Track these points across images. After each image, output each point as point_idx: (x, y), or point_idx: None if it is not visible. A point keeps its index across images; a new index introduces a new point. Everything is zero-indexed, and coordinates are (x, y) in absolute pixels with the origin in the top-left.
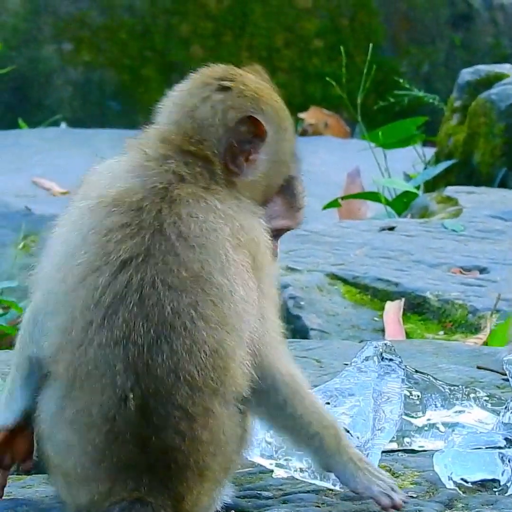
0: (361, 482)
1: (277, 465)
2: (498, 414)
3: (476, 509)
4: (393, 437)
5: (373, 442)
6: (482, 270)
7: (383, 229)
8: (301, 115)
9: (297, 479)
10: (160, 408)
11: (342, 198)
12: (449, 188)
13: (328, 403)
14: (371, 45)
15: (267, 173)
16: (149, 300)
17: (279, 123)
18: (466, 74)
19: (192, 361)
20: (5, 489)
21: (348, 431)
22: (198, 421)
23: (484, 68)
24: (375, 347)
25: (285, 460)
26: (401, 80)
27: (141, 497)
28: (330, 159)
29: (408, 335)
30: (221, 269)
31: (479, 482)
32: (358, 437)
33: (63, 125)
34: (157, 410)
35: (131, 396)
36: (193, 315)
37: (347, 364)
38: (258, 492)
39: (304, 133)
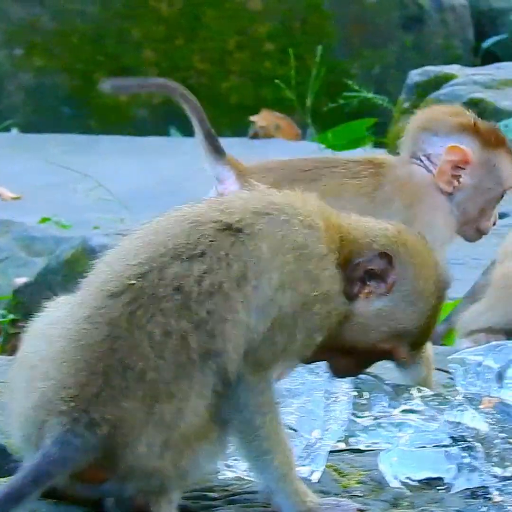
0: None
1: (224, 466)
2: (444, 413)
3: (422, 508)
4: (340, 437)
5: (322, 442)
6: None
7: None
8: (252, 118)
9: (244, 480)
10: (149, 312)
11: None
12: None
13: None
14: (320, 47)
15: (368, 327)
16: None
17: (413, 289)
18: (415, 75)
19: (201, 299)
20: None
21: (296, 431)
22: (168, 358)
23: (433, 69)
24: None
25: (233, 460)
26: (350, 82)
27: (79, 411)
28: None
29: None
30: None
31: (425, 481)
32: (307, 437)
33: (14, 130)
34: (147, 311)
35: (133, 281)
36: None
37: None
38: (204, 493)
39: (255, 136)
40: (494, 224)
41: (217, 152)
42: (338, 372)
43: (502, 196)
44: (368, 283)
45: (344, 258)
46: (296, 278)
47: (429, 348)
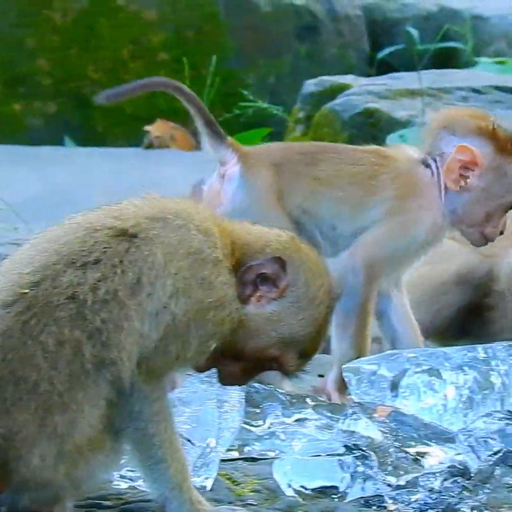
0: None
1: (119, 476)
2: (338, 422)
3: None
4: (234, 445)
5: (215, 450)
6: None
7: None
8: (147, 127)
9: (137, 489)
10: (42, 321)
11: None
12: None
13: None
14: (214, 57)
15: (258, 332)
16: None
17: (304, 296)
18: (310, 85)
19: (95, 308)
20: None
21: (189, 440)
22: (61, 369)
23: (328, 79)
24: None
25: (128, 471)
26: (245, 92)
27: None
28: (176, 171)
29: None
30: (164, 277)
31: (319, 489)
32: (200, 446)
33: None
34: (40, 320)
35: (25, 290)
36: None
37: (190, 374)
38: (98, 501)
39: (150, 146)
40: (501, 233)
41: (219, 136)
42: (226, 380)
43: None
44: (260, 287)
45: (237, 262)
46: (191, 284)
47: (367, 345)
